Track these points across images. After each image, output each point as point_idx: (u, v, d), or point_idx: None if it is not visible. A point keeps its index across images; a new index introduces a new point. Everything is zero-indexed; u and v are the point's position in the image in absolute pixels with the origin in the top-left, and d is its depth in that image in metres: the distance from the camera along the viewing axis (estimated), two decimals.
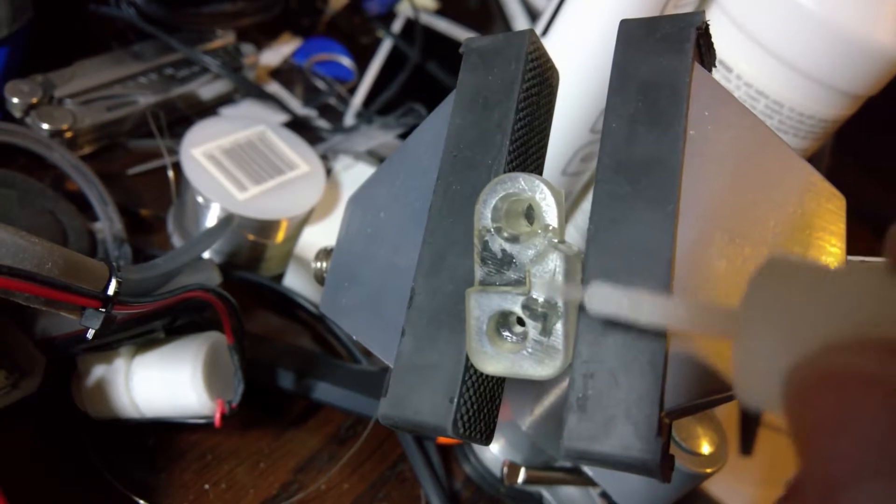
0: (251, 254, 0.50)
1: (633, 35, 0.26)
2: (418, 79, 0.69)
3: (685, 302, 0.19)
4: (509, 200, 0.25)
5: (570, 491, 0.45)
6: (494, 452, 0.46)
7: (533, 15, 0.82)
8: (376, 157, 0.59)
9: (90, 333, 0.29)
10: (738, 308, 0.17)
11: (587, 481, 0.43)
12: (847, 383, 0.14)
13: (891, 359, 0.13)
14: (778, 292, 0.16)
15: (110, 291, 0.29)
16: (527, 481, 0.42)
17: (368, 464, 0.45)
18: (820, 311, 0.15)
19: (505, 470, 0.42)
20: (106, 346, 0.38)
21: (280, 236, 0.49)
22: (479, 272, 0.25)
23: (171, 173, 0.51)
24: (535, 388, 0.42)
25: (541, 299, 0.23)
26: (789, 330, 0.16)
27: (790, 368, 0.15)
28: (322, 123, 0.62)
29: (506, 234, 0.24)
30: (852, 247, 0.28)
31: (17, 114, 0.50)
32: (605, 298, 0.20)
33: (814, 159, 0.53)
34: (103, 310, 0.29)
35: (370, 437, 0.45)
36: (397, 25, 0.74)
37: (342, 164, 0.56)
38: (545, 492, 0.46)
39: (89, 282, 0.29)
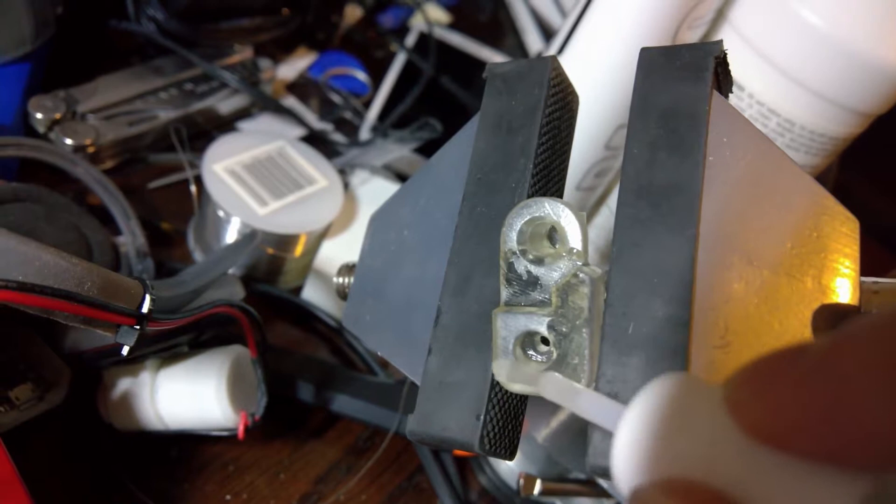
0: (270, 267, 0.51)
1: (653, 63, 0.27)
2: (432, 93, 0.70)
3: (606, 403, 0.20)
4: (534, 224, 0.26)
5: (585, 502, 0.45)
6: (510, 464, 0.47)
7: (544, 28, 0.83)
8: (392, 171, 0.60)
9: (125, 350, 0.30)
10: (628, 410, 0.18)
11: (602, 493, 0.43)
12: None
13: None
14: (663, 408, 0.17)
15: (144, 309, 0.30)
16: (542, 493, 0.43)
17: (386, 475, 0.46)
18: (681, 438, 0.16)
19: (521, 482, 0.42)
20: (132, 359, 0.39)
21: (299, 250, 0.50)
22: (504, 293, 0.26)
23: (193, 187, 0.52)
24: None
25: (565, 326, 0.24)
26: (652, 447, 0.17)
27: (634, 486, 0.17)
28: (338, 137, 0.63)
29: (531, 257, 0.25)
30: (862, 261, 0.29)
31: (41, 129, 0.51)
32: (554, 387, 0.21)
33: (822, 176, 0.54)
34: (138, 327, 0.29)
35: (388, 448, 0.46)
36: (411, 39, 0.75)
37: (359, 179, 0.56)
38: (559, 503, 0.46)
39: (124, 299, 0.30)
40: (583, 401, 0.20)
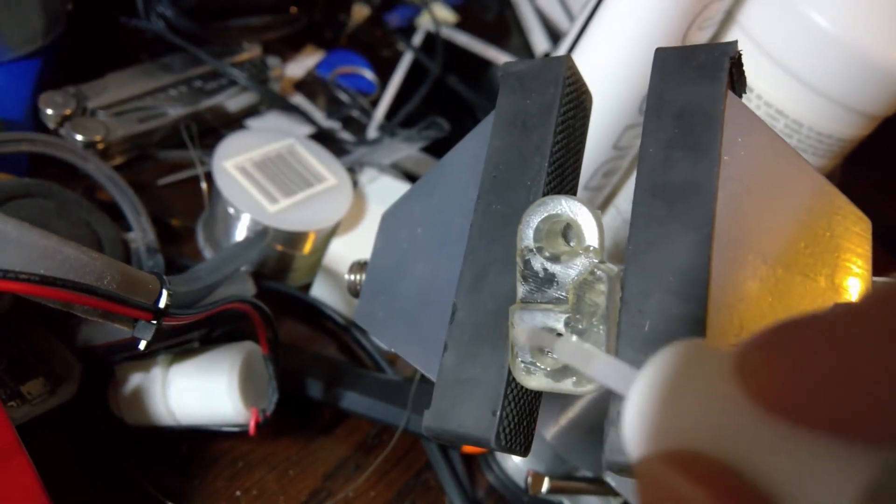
0: (278, 264, 0.51)
1: (669, 63, 0.27)
2: (439, 92, 0.70)
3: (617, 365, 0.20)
4: (550, 221, 0.26)
5: (592, 501, 0.46)
6: (517, 462, 0.47)
7: (549, 28, 0.83)
8: (400, 169, 0.60)
9: (142, 344, 0.30)
10: (637, 378, 0.17)
11: (609, 491, 0.43)
12: (662, 499, 0.15)
13: (697, 484, 0.14)
14: (673, 375, 0.17)
15: (161, 304, 0.30)
16: (550, 491, 0.43)
17: (394, 472, 0.46)
18: (689, 407, 0.16)
19: (529, 480, 0.43)
20: (144, 354, 0.39)
21: (308, 248, 0.51)
22: (520, 290, 0.26)
23: (203, 184, 0.52)
24: (561, 398, 0.43)
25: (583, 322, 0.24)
26: (660, 415, 0.16)
27: (639, 456, 0.16)
28: (346, 136, 0.64)
29: (547, 254, 0.25)
30: None
31: (51, 125, 0.51)
32: (569, 350, 0.21)
33: (826, 177, 0.54)
34: (155, 322, 0.30)
35: (396, 445, 0.46)
36: (418, 38, 0.75)
37: (367, 177, 0.57)
38: (567, 501, 0.47)
39: (141, 294, 0.30)
40: (596, 364, 0.20)
